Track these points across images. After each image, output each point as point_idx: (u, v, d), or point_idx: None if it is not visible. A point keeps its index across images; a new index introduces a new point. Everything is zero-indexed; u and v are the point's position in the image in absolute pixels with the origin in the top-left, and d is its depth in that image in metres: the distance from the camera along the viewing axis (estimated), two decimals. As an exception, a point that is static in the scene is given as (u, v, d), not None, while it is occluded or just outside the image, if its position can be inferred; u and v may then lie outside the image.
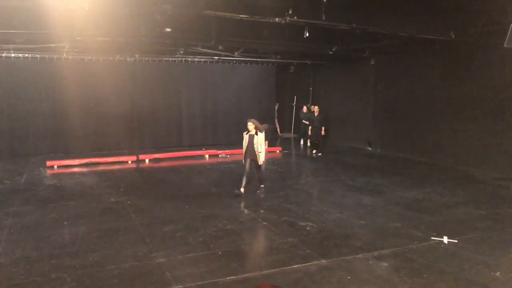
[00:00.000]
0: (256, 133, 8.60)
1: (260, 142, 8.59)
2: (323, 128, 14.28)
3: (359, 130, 16.11)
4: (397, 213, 7.60)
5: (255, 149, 8.56)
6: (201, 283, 4.80)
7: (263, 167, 9.00)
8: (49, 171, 11.36)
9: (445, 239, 6.21)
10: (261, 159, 8.62)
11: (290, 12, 8.34)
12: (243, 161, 8.84)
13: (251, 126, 8.55)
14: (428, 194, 8.99)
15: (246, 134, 8.72)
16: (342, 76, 17.02)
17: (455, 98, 12.12)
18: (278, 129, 19.56)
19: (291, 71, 19.00)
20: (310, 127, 14.57)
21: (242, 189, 8.67)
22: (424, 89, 13.13)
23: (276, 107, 19.32)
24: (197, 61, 15.81)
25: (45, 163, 11.88)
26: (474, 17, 10.37)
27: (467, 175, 10.94)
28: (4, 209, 7.73)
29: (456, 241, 6.15)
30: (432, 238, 6.29)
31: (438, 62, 12.69)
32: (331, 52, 13.47)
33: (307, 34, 9.56)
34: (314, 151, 14.19)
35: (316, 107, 14.63)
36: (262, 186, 9.05)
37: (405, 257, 5.59)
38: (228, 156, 13.97)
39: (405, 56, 13.66)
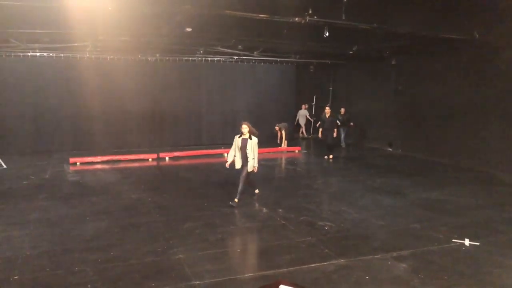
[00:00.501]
0: (250, 137, 7.82)
1: (254, 148, 7.84)
2: (334, 130, 13.30)
3: (380, 130, 15.96)
4: (417, 214, 7.52)
5: (247, 155, 7.81)
6: (220, 279, 4.85)
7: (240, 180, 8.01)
8: (72, 168, 11.62)
9: (467, 242, 6.12)
10: (254, 165, 7.90)
11: (310, 11, 8.32)
12: (227, 163, 8.19)
13: (245, 129, 7.80)
14: (449, 195, 8.86)
15: (239, 137, 7.94)
16: (363, 76, 16.88)
17: (477, 99, 11.89)
18: (304, 131, 19.11)
19: (311, 70, 18.93)
20: (320, 129, 13.69)
21: (256, 191, 8.63)
22: (446, 90, 12.92)
23: (305, 108, 19.07)
24: (216, 60, 15.92)
25: (68, 160, 12.15)
26: (498, 16, 10.17)
27: (490, 177, 10.73)
28: (30, 204, 7.96)
29: (478, 243, 6.05)
30: (453, 240, 6.21)
31: (461, 62, 12.46)
32: (351, 52, 13.39)
33: (327, 34, 9.53)
34: (326, 156, 13.29)
35: (327, 108, 13.46)
36: (236, 200, 7.95)
37: (424, 259, 5.53)
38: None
39: (427, 56, 13.46)
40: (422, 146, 13.92)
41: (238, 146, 7.89)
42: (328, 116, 13.37)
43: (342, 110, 15.60)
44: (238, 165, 8.05)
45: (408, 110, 14.56)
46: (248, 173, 7.98)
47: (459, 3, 9.75)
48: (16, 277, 4.88)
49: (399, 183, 10.02)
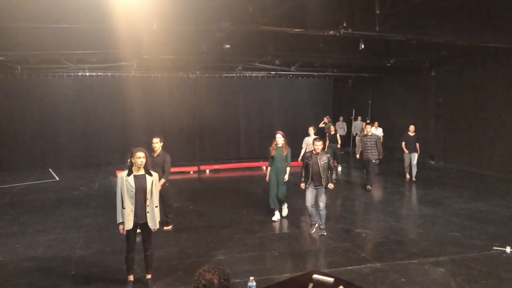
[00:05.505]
0: (149, 173, 4.85)
1: (156, 188, 4.86)
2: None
3: (421, 143, 15.57)
4: (458, 224, 7.42)
5: (146, 202, 4.73)
6: (258, 278, 5.05)
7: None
8: (118, 180, 12.23)
9: (508, 249, 6.01)
10: (157, 216, 4.84)
11: (345, 24, 8.51)
12: (121, 227, 4.78)
13: (142, 159, 4.79)
14: (492, 206, 8.66)
15: (128, 175, 4.76)
16: (402, 88, 16.74)
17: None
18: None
19: (349, 84, 18.96)
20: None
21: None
22: (489, 100, 12.63)
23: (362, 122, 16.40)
24: (254, 76, 16.35)
25: (115, 173, 12.80)
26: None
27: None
28: (82, 210, 8.53)
29: (520, 251, 5.94)
30: (494, 248, 6.11)
31: (503, 71, 12.19)
32: (389, 64, 13.40)
33: (363, 46, 9.67)
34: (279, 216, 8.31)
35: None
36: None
37: (463, 264, 5.50)
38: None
39: (468, 66, 13.24)
40: (465, 158, 13.58)
41: (126, 192, 4.71)
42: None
43: (412, 127, 12.20)
44: (129, 223, 4.72)
45: (450, 122, 14.29)
46: (150, 235, 4.91)
47: (502, 10, 9.56)
48: (72, 273, 5.32)
49: (440, 194, 9.87)
